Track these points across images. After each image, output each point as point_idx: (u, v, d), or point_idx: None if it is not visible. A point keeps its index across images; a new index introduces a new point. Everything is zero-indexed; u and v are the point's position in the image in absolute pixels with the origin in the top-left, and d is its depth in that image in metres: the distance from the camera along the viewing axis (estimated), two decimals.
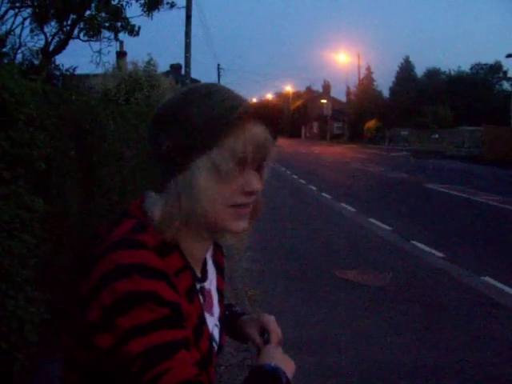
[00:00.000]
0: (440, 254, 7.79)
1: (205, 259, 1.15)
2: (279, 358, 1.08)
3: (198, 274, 1.10)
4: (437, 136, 44.21)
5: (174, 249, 1.00)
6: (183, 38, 20.76)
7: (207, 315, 1.09)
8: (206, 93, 1.02)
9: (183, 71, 22.42)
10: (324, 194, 14.84)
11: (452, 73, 56.84)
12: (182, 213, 0.97)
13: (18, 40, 11.29)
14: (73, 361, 0.98)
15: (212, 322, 1.12)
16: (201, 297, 1.08)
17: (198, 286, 1.08)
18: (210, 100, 1.00)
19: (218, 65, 57.62)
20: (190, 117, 0.99)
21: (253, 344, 1.28)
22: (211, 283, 1.17)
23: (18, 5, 10.69)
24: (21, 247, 3.04)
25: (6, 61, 9.31)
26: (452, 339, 4.74)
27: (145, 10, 12.64)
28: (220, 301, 1.20)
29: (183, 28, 20.64)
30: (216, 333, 1.15)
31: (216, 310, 1.17)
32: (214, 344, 1.12)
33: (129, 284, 0.87)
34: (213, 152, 0.97)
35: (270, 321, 1.29)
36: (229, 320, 1.32)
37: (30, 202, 3.13)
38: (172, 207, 0.98)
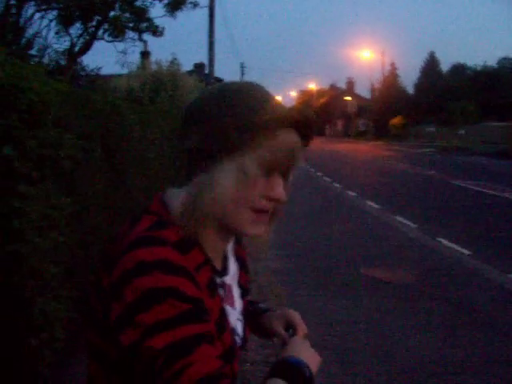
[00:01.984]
0: (467, 252, 7.69)
1: (225, 254, 1.16)
2: (305, 352, 1.08)
3: (219, 268, 1.10)
4: (463, 132, 43.62)
5: (194, 244, 1.01)
6: (206, 37, 20.86)
7: (229, 309, 1.10)
8: (240, 94, 1.01)
9: (207, 70, 22.52)
10: (349, 192, 14.76)
11: (478, 68, 55.99)
12: (201, 209, 0.98)
13: (44, 42, 11.49)
14: (98, 357, 1.00)
15: (234, 316, 1.13)
16: (222, 291, 1.09)
17: (218, 280, 1.08)
18: (244, 103, 0.99)
19: (242, 63, 57.73)
20: (221, 118, 0.98)
21: (278, 338, 1.28)
22: (232, 278, 1.17)
23: (44, 7, 10.86)
24: (49, 245, 3.09)
25: (33, 62, 9.45)
26: (479, 337, 4.67)
27: (168, 10, 12.74)
28: (243, 295, 1.21)
29: (207, 27, 20.75)
30: (239, 326, 1.15)
31: (238, 304, 1.17)
32: (237, 338, 1.13)
33: (150, 280, 0.88)
34: (241, 155, 0.97)
35: (296, 315, 1.30)
36: (253, 316, 1.32)
37: (57, 202, 3.18)
38: (193, 202, 0.99)
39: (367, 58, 67.10)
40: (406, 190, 15.50)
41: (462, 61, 66.10)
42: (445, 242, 8.37)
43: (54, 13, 11.32)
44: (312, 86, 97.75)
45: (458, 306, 5.48)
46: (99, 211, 4.58)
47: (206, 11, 20.51)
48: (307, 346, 1.13)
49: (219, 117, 0.99)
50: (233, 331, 1.10)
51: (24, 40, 10.97)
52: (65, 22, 11.46)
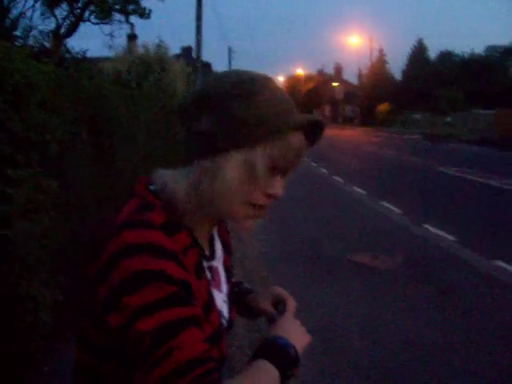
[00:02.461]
0: (452, 238, 7.76)
1: (212, 236, 1.17)
2: (294, 331, 1.09)
3: (207, 252, 1.11)
4: (450, 119, 43.80)
5: (181, 226, 1.01)
6: (194, 21, 20.66)
7: (215, 292, 1.10)
8: (261, 88, 1.00)
9: (194, 54, 22.34)
10: (335, 178, 14.80)
11: (465, 55, 56.15)
12: (201, 195, 0.99)
13: (29, 23, 11.31)
14: (86, 341, 1.00)
15: (220, 299, 1.14)
16: (209, 274, 1.09)
17: (205, 264, 1.09)
18: (264, 98, 0.98)
19: (229, 47, 57.44)
20: (239, 109, 0.97)
21: (267, 316, 1.28)
22: (219, 260, 1.18)
23: None
24: (35, 229, 3.07)
25: (17, 44, 9.31)
26: (462, 322, 4.74)
27: None
28: (227, 277, 1.21)
29: (194, 10, 20.54)
30: (225, 309, 1.16)
31: (224, 286, 1.18)
32: (223, 320, 1.13)
33: (137, 263, 0.88)
34: (251, 151, 0.97)
35: (283, 292, 1.31)
36: (238, 297, 1.33)
37: (44, 185, 3.15)
38: (195, 188, 0.99)
39: (355, 44, 67.04)
40: (392, 176, 15.58)
41: (449, 48, 66.33)
42: (430, 228, 8.44)
43: None
44: (300, 71, 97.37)
45: (443, 291, 5.54)
46: (87, 195, 4.55)
47: None
48: (297, 324, 1.13)
49: (237, 108, 0.97)
50: (219, 313, 1.10)
51: (8, 21, 10.79)
52: (50, 2, 11.29)
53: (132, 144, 6.54)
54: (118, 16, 12.53)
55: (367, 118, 58.43)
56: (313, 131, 1.06)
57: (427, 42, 67.69)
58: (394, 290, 5.57)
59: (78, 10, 11.62)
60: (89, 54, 12.70)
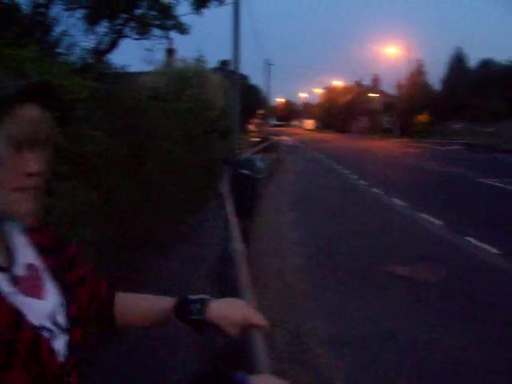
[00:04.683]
0: (495, 250, 7.58)
1: (9, 245, 1.01)
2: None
3: (3, 264, 0.96)
4: (491, 129, 42.93)
5: None
6: (231, 34, 20.84)
7: (29, 300, 0.95)
8: None
9: (232, 67, 22.53)
10: (375, 189, 14.65)
11: (507, 63, 55.00)
12: None
13: (71, 40, 11.61)
14: None
15: (40, 306, 0.98)
16: (10, 286, 0.94)
17: (4, 277, 0.94)
18: None
19: (267, 60, 57.71)
20: None
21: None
22: (28, 266, 1.01)
23: (73, 6, 10.99)
24: (78, 241, 3.13)
25: (60, 60, 9.57)
26: (502, 337, 4.61)
27: (194, 7, 12.80)
28: (60, 280, 1.07)
29: (231, 24, 20.73)
30: (59, 315, 1.01)
31: (49, 292, 1.02)
32: (52, 328, 0.98)
33: None
34: None
35: (246, 314, 1.23)
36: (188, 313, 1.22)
37: (87, 197, 3.22)
38: None
39: (393, 55, 66.43)
40: (432, 187, 15.34)
41: (490, 56, 65.23)
42: (472, 240, 8.26)
43: (82, 11, 11.45)
44: (337, 83, 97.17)
45: (483, 304, 5.40)
46: (125, 206, 4.62)
47: (231, 7, 20.51)
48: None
49: None
50: (41, 326, 0.94)
51: (52, 38, 11.11)
52: (92, 20, 11.58)
53: (169, 155, 6.63)
54: (157, 31, 12.77)
55: (406, 128, 57.73)
56: (43, 99, 0.97)
57: (467, 51, 66.72)
58: (434, 303, 5.46)
59: (119, 27, 11.89)
60: (129, 69, 12.96)
